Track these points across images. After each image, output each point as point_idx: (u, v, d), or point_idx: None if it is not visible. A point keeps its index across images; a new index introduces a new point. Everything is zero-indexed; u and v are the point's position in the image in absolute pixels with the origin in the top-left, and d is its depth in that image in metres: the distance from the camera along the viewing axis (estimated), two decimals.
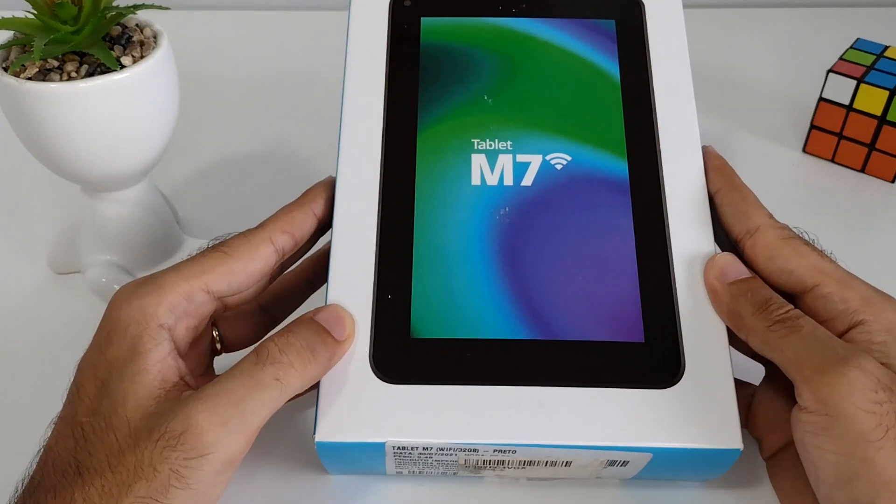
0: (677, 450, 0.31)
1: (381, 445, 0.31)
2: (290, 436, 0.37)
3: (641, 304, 0.33)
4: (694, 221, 0.34)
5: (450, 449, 0.31)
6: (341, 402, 0.31)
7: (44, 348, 0.42)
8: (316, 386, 0.31)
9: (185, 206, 0.51)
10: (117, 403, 0.29)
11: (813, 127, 0.55)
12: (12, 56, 0.39)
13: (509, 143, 0.36)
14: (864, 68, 0.52)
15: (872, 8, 0.73)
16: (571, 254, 0.34)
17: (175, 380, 0.30)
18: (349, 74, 0.37)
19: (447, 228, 0.34)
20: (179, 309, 0.31)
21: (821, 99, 0.53)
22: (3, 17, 0.37)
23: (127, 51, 0.39)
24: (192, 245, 0.46)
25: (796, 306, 0.31)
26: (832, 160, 0.55)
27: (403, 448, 0.31)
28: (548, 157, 0.36)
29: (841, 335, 0.30)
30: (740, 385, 0.33)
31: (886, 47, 0.54)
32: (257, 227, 0.33)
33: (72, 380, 0.30)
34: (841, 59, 0.53)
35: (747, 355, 0.35)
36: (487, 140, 0.36)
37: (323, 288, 0.35)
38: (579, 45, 0.38)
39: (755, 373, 0.35)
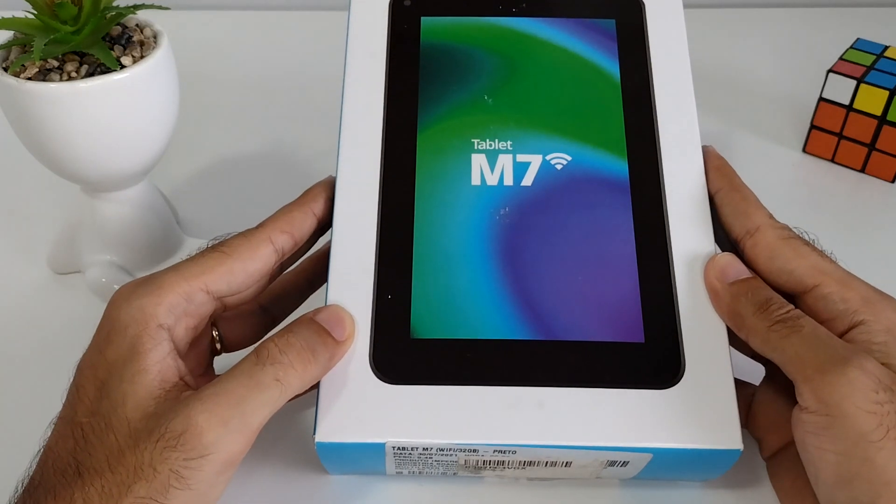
0: (677, 450, 0.31)
1: (381, 446, 0.31)
2: (290, 436, 0.37)
3: (641, 304, 0.33)
4: (694, 221, 0.34)
5: (450, 449, 0.31)
6: (341, 402, 0.31)
7: (44, 348, 0.42)
8: (316, 386, 0.31)
9: (185, 206, 0.51)
10: (117, 404, 0.29)
11: (813, 127, 0.55)
12: (12, 56, 0.39)
13: (509, 142, 0.36)
14: (864, 68, 0.52)
15: (872, 8, 0.73)
16: (571, 254, 0.34)
17: (175, 380, 0.30)
18: (349, 74, 0.37)
19: (447, 228, 0.34)
20: (179, 309, 0.31)
21: (821, 99, 0.53)
22: (3, 17, 0.37)
23: (127, 51, 0.39)
24: (192, 245, 0.46)
25: (796, 306, 0.31)
26: (832, 160, 0.55)
27: (403, 448, 0.31)
28: (548, 157, 0.36)
29: (841, 335, 0.30)
30: (740, 385, 0.33)
31: (886, 47, 0.54)
32: (257, 227, 0.33)
33: (71, 380, 0.30)
34: (841, 59, 0.53)
35: (747, 355, 0.35)
36: (487, 140, 0.36)
37: (323, 288, 0.35)
38: (579, 44, 0.38)
39: (755, 373, 0.35)
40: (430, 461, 0.32)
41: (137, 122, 0.39)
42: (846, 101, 0.52)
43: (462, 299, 0.33)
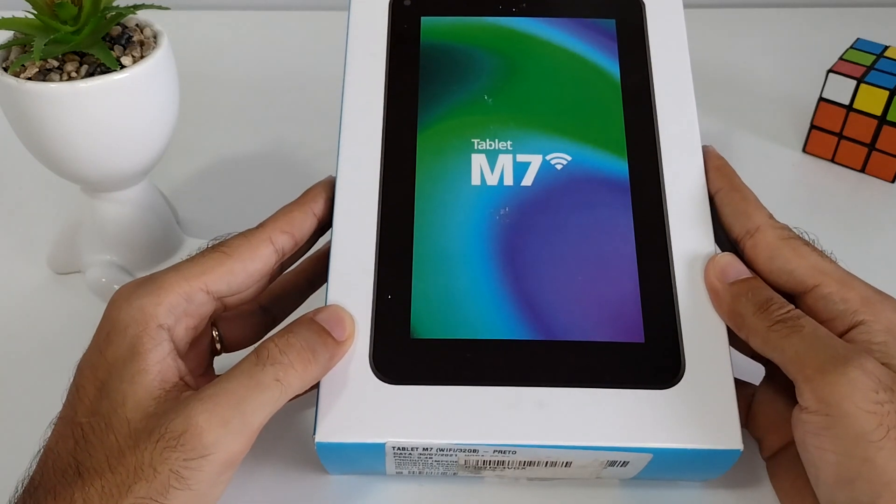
0: (677, 450, 0.31)
1: (381, 446, 0.31)
2: (290, 436, 0.37)
3: (641, 305, 0.33)
4: (694, 221, 0.34)
5: (450, 449, 0.31)
6: (341, 402, 0.31)
7: (44, 348, 0.42)
8: (316, 386, 0.31)
9: (185, 206, 0.51)
10: (117, 404, 0.29)
11: (813, 127, 0.55)
12: (12, 56, 0.39)
13: (509, 142, 0.36)
14: (864, 68, 0.52)
15: (872, 8, 0.73)
16: (571, 254, 0.34)
17: (175, 380, 0.30)
18: (349, 74, 0.37)
19: (447, 228, 0.34)
20: (179, 309, 0.31)
21: (821, 99, 0.53)
22: (3, 17, 0.37)
23: (127, 51, 0.39)
24: (192, 245, 0.46)
25: (796, 307, 0.31)
26: (832, 160, 0.55)
27: (403, 448, 0.31)
28: (548, 157, 0.36)
29: (841, 335, 0.30)
30: (740, 385, 0.33)
31: (886, 47, 0.54)
32: (257, 228, 0.33)
33: (71, 380, 0.30)
34: (841, 59, 0.53)
35: (747, 355, 0.35)
36: (487, 140, 0.36)
37: (323, 288, 0.35)
38: (579, 44, 0.38)
39: (755, 373, 0.35)
40: (430, 461, 0.32)
41: (137, 122, 0.39)
42: (846, 101, 0.52)
43: (462, 299, 0.33)
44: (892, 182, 0.54)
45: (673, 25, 0.39)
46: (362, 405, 0.31)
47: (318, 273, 0.38)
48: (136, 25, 0.41)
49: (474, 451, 0.31)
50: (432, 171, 0.35)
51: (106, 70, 0.38)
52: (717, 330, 0.32)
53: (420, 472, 0.34)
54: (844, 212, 0.52)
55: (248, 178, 0.55)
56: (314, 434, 0.31)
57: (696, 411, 0.31)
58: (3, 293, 0.46)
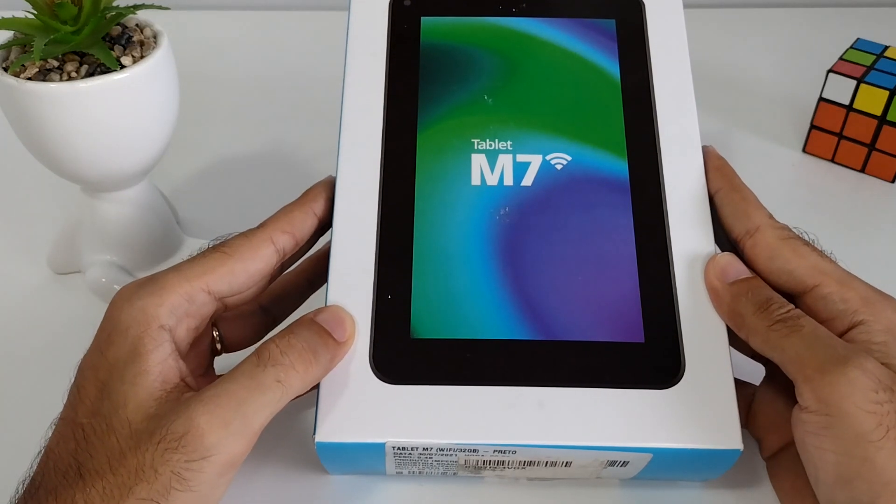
0: (677, 450, 0.31)
1: (381, 446, 0.31)
2: (290, 436, 0.37)
3: (641, 304, 0.33)
4: (694, 221, 0.34)
5: (450, 449, 0.31)
6: (341, 402, 0.31)
7: (44, 348, 0.42)
8: (316, 386, 0.31)
9: (185, 206, 0.51)
10: (118, 405, 0.29)
11: (813, 127, 0.55)
12: (12, 56, 0.39)
13: (509, 142, 0.36)
14: (864, 68, 0.52)
15: (872, 8, 0.73)
16: (571, 254, 0.34)
17: (176, 381, 0.30)
18: (349, 74, 0.37)
19: (447, 228, 0.34)
20: (180, 310, 0.31)
21: (821, 99, 0.53)
22: (3, 17, 0.37)
23: (127, 51, 0.39)
24: (192, 245, 0.46)
25: (796, 307, 0.31)
26: (832, 160, 0.55)
27: (403, 448, 0.31)
28: (548, 157, 0.36)
29: (841, 335, 0.30)
30: (740, 385, 0.33)
31: (886, 47, 0.54)
32: (258, 228, 0.33)
33: (72, 381, 0.30)
34: (841, 59, 0.53)
35: (747, 355, 0.35)
36: (487, 140, 0.36)
37: (323, 288, 0.35)
38: (579, 44, 0.38)
39: (755, 373, 0.35)
40: (430, 461, 0.32)
41: (137, 122, 0.39)
42: (846, 101, 0.52)
43: (462, 299, 0.33)
44: (892, 182, 0.54)
45: (673, 25, 0.39)
46: (362, 405, 0.31)
47: (318, 273, 0.38)
48: (136, 25, 0.41)
49: (474, 450, 0.31)
50: (432, 171, 0.35)
51: (106, 70, 0.38)
52: (717, 330, 0.32)
53: (420, 472, 0.34)
54: (844, 212, 0.52)
55: (248, 178, 0.55)
56: (314, 434, 0.31)
57: (696, 411, 0.31)
58: (3, 293, 0.46)
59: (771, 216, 0.34)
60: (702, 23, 0.62)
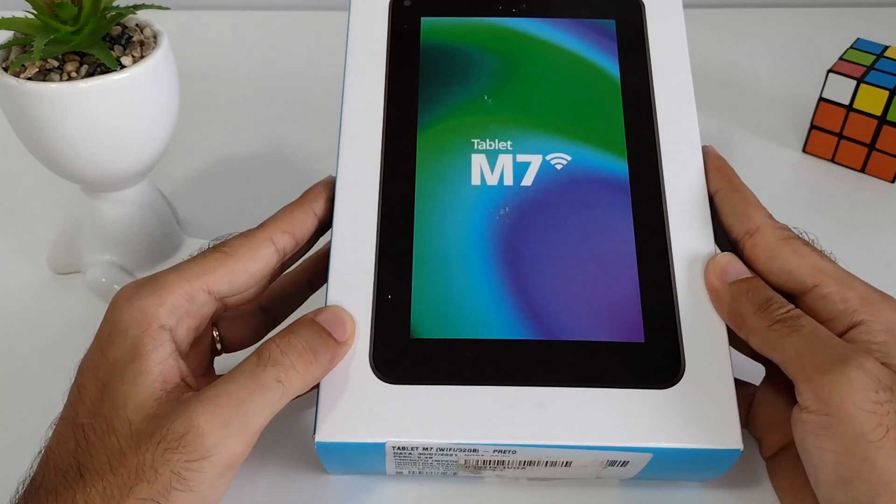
0: (677, 450, 0.31)
1: (381, 446, 0.31)
2: (291, 436, 0.37)
3: (641, 304, 0.33)
4: (694, 221, 0.34)
5: (450, 449, 0.31)
6: (341, 402, 0.31)
7: (44, 348, 0.42)
8: (316, 386, 0.31)
9: (185, 206, 0.51)
10: (118, 405, 0.29)
11: (813, 127, 0.55)
12: (12, 56, 0.39)
13: (509, 143, 0.36)
14: (864, 68, 0.52)
15: (872, 8, 0.73)
16: (571, 254, 0.34)
17: (176, 381, 0.30)
18: (349, 74, 0.37)
19: (447, 228, 0.34)
20: (181, 310, 0.31)
21: (821, 99, 0.53)
22: (3, 17, 0.37)
23: (127, 51, 0.39)
24: (192, 245, 0.46)
25: (796, 307, 0.31)
26: (832, 160, 0.55)
27: (403, 448, 0.31)
28: (548, 157, 0.36)
29: (841, 335, 0.30)
30: (740, 385, 0.33)
31: (886, 47, 0.54)
32: (258, 228, 0.33)
33: (72, 381, 0.30)
34: (841, 59, 0.53)
35: (747, 355, 0.35)
36: (487, 140, 0.36)
37: (323, 288, 0.35)
38: (579, 45, 0.38)
39: (755, 373, 0.35)
40: (430, 461, 0.32)
41: (137, 122, 0.39)
42: (846, 101, 0.52)
43: (462, 299, 0.33)
44: (892, 182, 0.54)
45: (673, 26, 0.39)
46: (362, 405, 0.31)
47: (318, 273, 0.38)
48: (136, 25, 0.41)
49: (474, 450, 0.31)
50: (432, 171, 0.35)
51: (106, 70, 0.38)
52: (717, 330, 0.32)
53: (420, 472, 0.34)
54: (844, 212, 0.52)
55: (248, 178, 0.55)
56: (314, 434, 0.31)
57: (695, 411, 0.31)
58: (3, 293, 0.46)
59: (771, 216, 0.34)
60: (702, 23, 0.62)
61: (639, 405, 0.31)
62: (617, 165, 0.36)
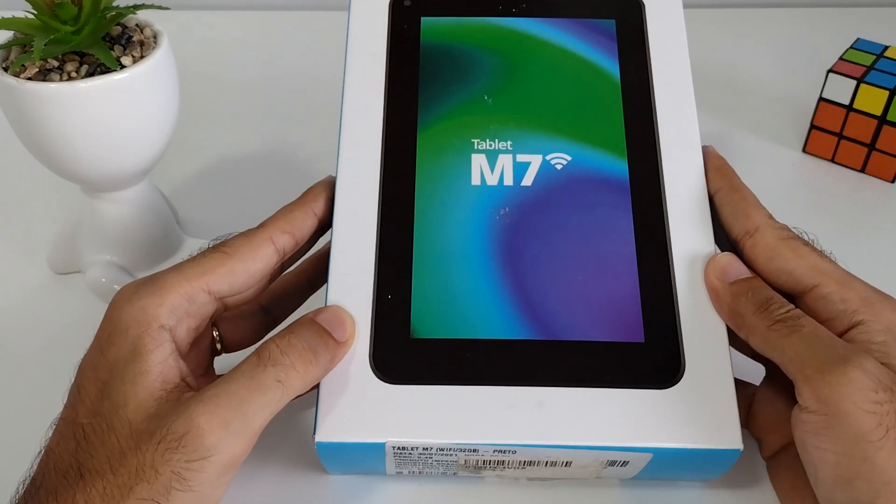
0: (677, 450, 0.31)
1: (381, 446, 0.31)
2: (291, 436, 0.37)
3: (641, 304, 0.33)
4: (694, 221, 0.35)
5: (450, 449, 0.31)
6: (341, 402, 0.31)
7: (44, 348, 0.42)
8: (316, 386, 0.31)
9: (185, 206, 0.51)
10: (118, 405, 0.29)
11: (813, 127, 0.55)
12: (12, 56, 0.39)
13: (509, 143, 0.36)
14: (864, 68, 0.52)
15: (872, 8, 0.73)
16: (571, 254, 0.34)
17: (176, 381, 0.30)
18: (349, 74, 0.37)
19: (447, 228, 0.34)
20: (181, 310, 0.31)
21: (821, 99, 0.53)
22: (3, 17, 0.37)
23: (127, 51, 0.39)
24: (192, 245, 0.46)
25: (796, 307, 0.31)
26: (832, 160, 0.55)
27: (403, 448, 0.31)
28: (548, 157, 0.36)
29: (840, 335, 0.30)
30: (740, 385, 0.33)
31: (886, 47, 0.54)
32: (258, 227, 0.33)
33: (72, 381, 0.30)
34: (841, 59, 0.53)
35: (747, 355, 0.35)
36: (487, 140, 0.36)
37: (323, 288, 0.35)
38: (579, 44, 0.38)
39: (755, 373, 0.35)
40: (430, 461, 0.32)
41: (137, 122, 0.39)
42: (846, 101, 0.52)
43: (462, 299, 0.33)
44: (892, 182, 0.54)
45: (673, 25, 0.39)
46: (362, 405, 0.31)
47: (318, 273, 0.38)
48: (136, 25, 0.41)
49: (474, 450, 0.31)
50: (432, 171, 0.35)
51: (106, 70, 0.38)
52: (717, 330, 0.32)
53: (420, 472, 0.34)
54: (844, 212, 0.52)
55: (248, 178, 0.55)
56: (314, 434, 0.31)
57: (695, 411, 0.31)
58: (3, 293, 0.46)
59: (770, 216, 0.34)
60: (702, 23, 0.62)
61: (639, 405, 0.31)
62: (617, 165, 0.36)
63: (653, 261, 0.34)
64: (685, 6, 0.39)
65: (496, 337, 0.32)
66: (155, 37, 0.41)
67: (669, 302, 0.33)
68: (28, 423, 0.33)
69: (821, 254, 0.32)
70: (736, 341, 0.33)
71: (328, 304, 0.33)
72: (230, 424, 0.28)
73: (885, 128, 0.52)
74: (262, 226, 0.33)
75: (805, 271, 0.32)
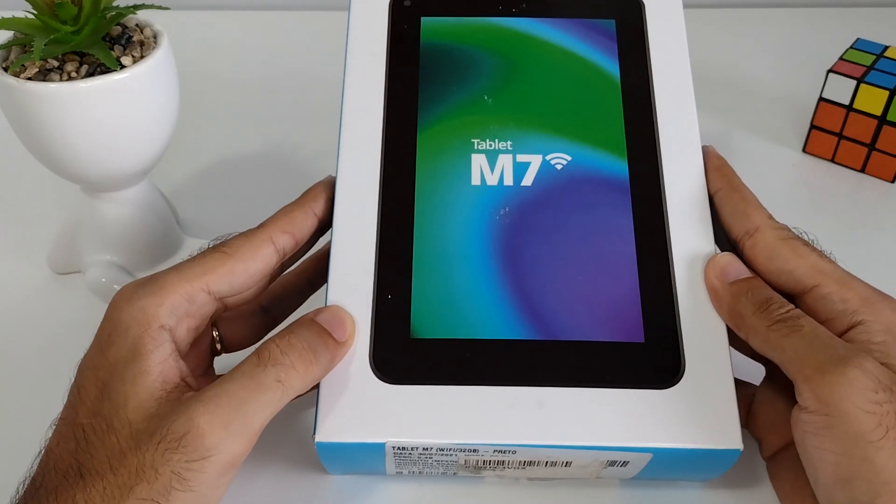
0: (677, 450, 0.31)
1: (381, 446, 0.31)
2: (291, 436, 0.37)
3: (641, 304, 0.33)
4: (694, 221, 0.35)
5: (450, 449, 0.31)
6: (341, 402, 0.31)
7: (44, 348, 0.42)
8: (316, 386, 0.31)
9: (185, 206, 0.51)
10: (118, 405, 0.29)
11: (813, 127, 0.55)
12: (12, 56, 0.39)
13: (509, 143, 0.36)
14: (864, 68, 0.52)
15: (872, 8, 0.73)
16: (571, 254, 0.34)
17: (176, 381, 0.30)
18: (349, 74, 0.37)
19: (447, 228, 0.34)
20: (181, 310, 0.31)
21: (821, 99, 0.53)
22: (3, 17, 0.37)
23: (127, 51, 0.39)
24: (192, 245, 0.46)
25: (796, 307, 0.31)
26: (832, 160, 0.55)
27: (403, 448, 0.31)
28: (548, 157, 0.36)
29: (840, 335, 0.30)
30: (740, 385, 0.33)
31: (886, 47, 0.54)
32: (258, 228, 0.33)
33: (72, 381, 0.30)
34: (841, 59, 0.53)
35: (747, 355, 0.35)
36: (487, 140, 0.36)
37: (323, 288, 0.35)
38: (579, 44, 0.38)
39: (755, 373, 0.35)
40: (430, 461, 0.32)
41: (137, 122, 0.39)
42: (846, 101, 0.52)
43: (462, 299, 0.33)
44: (892, 182, 0.54)
45: (673, 26, 0.39)
46: (362, 405, 0.31)
47: (318, 273, 0.38)
48: (136, 25, 0.41)
49: (474, 450, 0.31)
50: (432, 171, 0.35)
51: (106, 70, 0.38)
52: (717, 330, 0.32)
53: (420, 472, 0.34)
54: (844, 212, 0.52)
55: (248, 178, 0.55)
56: (314, 434, 0.31)
57: (695, 411, 0.31)
58: (3, 293, 0.46)
59: (770, 216, 0.34)
60: (702, 23, 0.62)
61: (639, 405, 0.31)
62: (617, 165, 0.36)
63: (653, 261, 0.34)
64: (685, 6, 0.39)
65: (496, 337, 0.32)
66: (155, 37, 0.41)
67: (669, 302, 0.33)
68: (28, 423, 0.33)
69: (821, 254, 0.32)
70: (736, 341, 0.33)
71: (328, 304, 0.33)
72: (230, 424, 0.28)
73: (885, 128, 0.52)
74: (262, 226, 0.33)
75: (805, 271, 0.32)
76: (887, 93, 0.50)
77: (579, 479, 0.34)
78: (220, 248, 0.32)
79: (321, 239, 0.36)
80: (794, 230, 0.33)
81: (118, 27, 0.40)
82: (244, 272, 0.32)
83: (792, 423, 0.30)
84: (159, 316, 0.30)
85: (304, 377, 0.30)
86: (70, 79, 0.37)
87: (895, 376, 0.28)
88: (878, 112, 0.51)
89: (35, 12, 0.37)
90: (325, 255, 0.35)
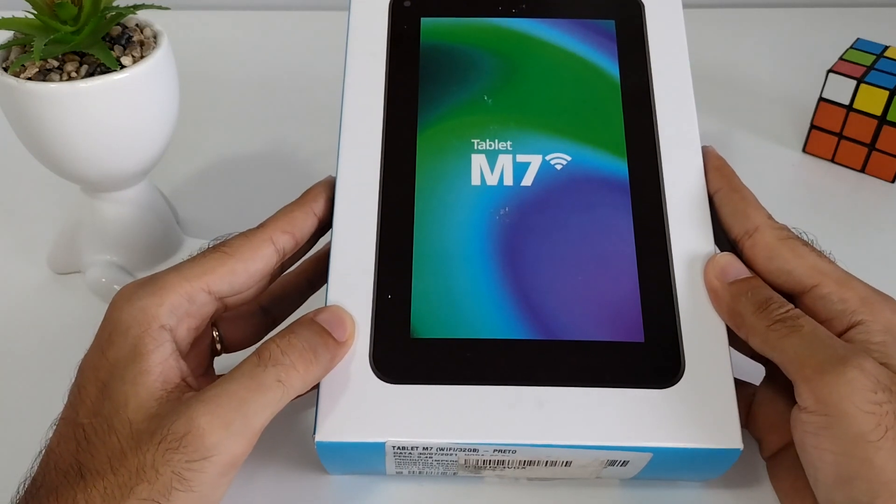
0: (677, 450, 0.31)
1: (381, 445, 0.31)
2: (291, 436, 0.37)
3: (641, 304, 0.33)
4: (694, 221, 0.35)
5: (450, 449, 0.31)
6: (341, 402, 0.31)
7: (44, 348, 0.42)
8: (316, 386, 0.31)
9: (185, 206, 0.51)
10: (119, 405, 0.29)
11: (813, 127, 0.55)
12: (12, 56, 0.39)
13: (509, 143, 0.36)
14: (864, 68, 0.52)
15: (872, 8, 0.73)
16: (571, 254, 0.34)
17: (177, 381, 0.30)
18: (349, 74, 0.37)
19: (447, 228, 0.34)
20: (181, 310, 0.31)
21: (821, 99, 0.53)
22: (3, 17, 0.38)
23: (127, 51, 0.39)
24: (192, 245, 0.46)
25: (796, 307, 0.31)
26: (832, 160, 0.55)
27: (403, 448, 0.31)
28: (548, 158, 0.36)
29: (840, 335, 0.30)
30: (740, 385, 0.33)
31: (886, 47, 0.54)
32: (258, 227, 0.33)
33: (73, 381, 0.30)
34: (841, 59, 0.53)
35: (747, 355, 0.35)
36: (487, 140, 0.36)
37: (323, 288, 0.35)
38: (579, 45, 0.38)
39: (755, 373, 0.35)
40: (430, 461, 0.32)
41: (137, 122, 0.39)
42: (846, 101, 0.52)
43: (462, 299, 0.33)
44: (892, 182, 0.54)
45: (672, 26, 0.39)
46: (362, 405, 0.31)
47: (318, 273, 0.38)
48: (136, 25, 0.41)
49: (474, 450, 0.31)
50: (432, 171, 0.36)
51: (106, 70, 0.38)
52: (717, 330, 0.32)
53: (420, 472, 0.34)
54: (844, 212, 0.52)
55: (248, 178, 0.55)
56: (314, 434, 0.31)
57: (695, 411, 0.31)
58: (3, 293, 0.46)
59: (770, 216, 0.34)
60: (702, 23, 0.62)
61: (639, 405, 0.31)
62: (617, 166, 0.36)
63: (653, 261, 0.34)
64: (685, 6, 0.39)
65: (496, 337, 0.32)
66: (155, 37, 0.41)
67: (669, 302, 0.33)
68: (28, 423, 0.33)
69: (820, 254, 0.32)
70: (736, 341, 0.33)
71: (328, 304, 0.33)
72: (231, 424, 0.28)
73: (885, 128, 0.52)
74: (262, 226, 0.33)
75: (804, 271, 0.32)
76: (887, 93, 0.50)
77: (579, 479, 0.34)
78: (220, 248, 0.32)
79: (321, 239, 0.36)
80: (793, 230, 0.33)
81: (118, 27, 0.40)
82: (244, 272, 0.32)
83: (791, 423, 0.30)
84: (159, 316, 0.30)
85: (305, 377, 0.30)
86: (70, 79, 0.37)
87: (894, 376, 0.28)
88: (878, 112, 0.51)
89: (35, 12, 0.37)
90: (325, 256, 0.35)
